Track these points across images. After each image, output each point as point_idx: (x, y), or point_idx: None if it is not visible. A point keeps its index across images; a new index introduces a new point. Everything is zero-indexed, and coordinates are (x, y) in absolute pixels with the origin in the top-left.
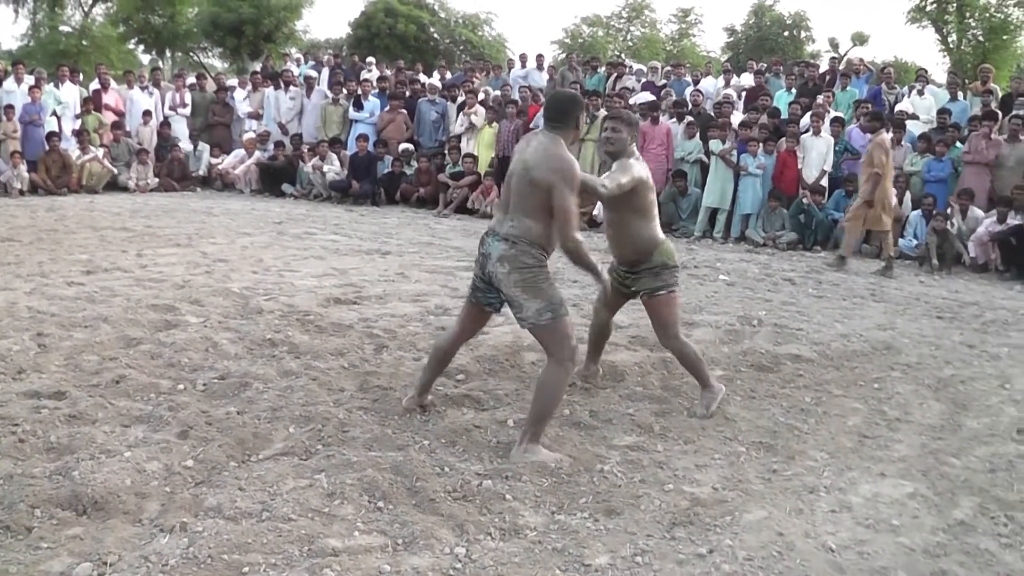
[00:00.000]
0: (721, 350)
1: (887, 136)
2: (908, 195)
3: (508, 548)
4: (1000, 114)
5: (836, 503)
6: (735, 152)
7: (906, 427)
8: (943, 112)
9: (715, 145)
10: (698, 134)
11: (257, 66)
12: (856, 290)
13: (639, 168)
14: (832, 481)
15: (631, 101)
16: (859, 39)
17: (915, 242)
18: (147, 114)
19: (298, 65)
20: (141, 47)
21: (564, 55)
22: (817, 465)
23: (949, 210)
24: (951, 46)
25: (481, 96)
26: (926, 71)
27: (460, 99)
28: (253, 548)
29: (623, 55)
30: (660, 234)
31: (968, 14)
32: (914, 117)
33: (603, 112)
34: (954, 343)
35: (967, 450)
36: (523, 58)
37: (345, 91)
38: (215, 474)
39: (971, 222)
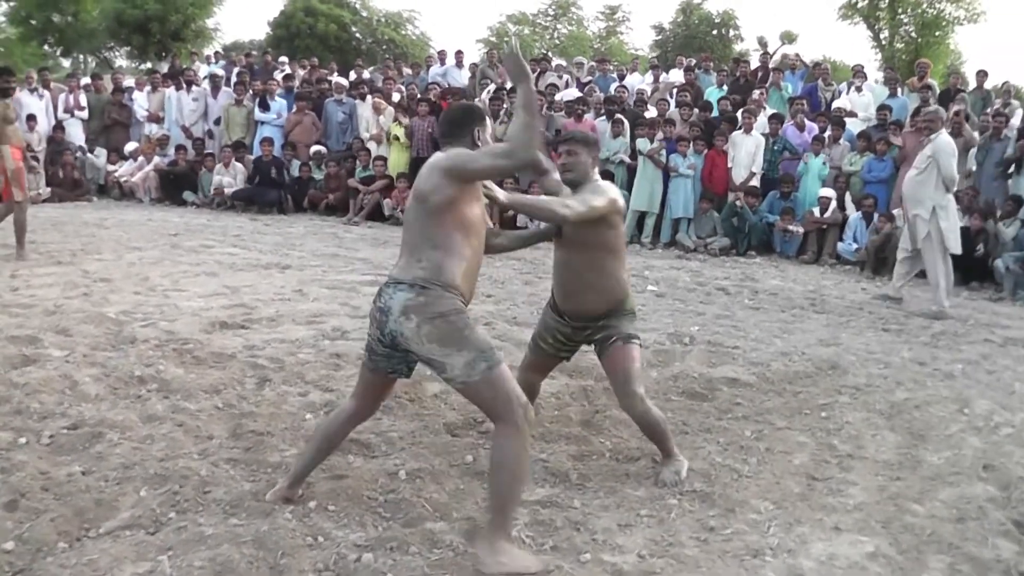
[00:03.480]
0: (649, 375)
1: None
2: (848, 196)
3: None
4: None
5: (784, 569)
6: (664, 152)
7: (860, 465)
8: (883, 108)
9: (643, 144)
10: (626, 132)
11: (164, 66)
12: (795, 300)
13: (613, 191)
14: (779, 540)
15: (557, 98)
16: (788, 38)
17: (855, 246)
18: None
19: (208, 64)
20: (47, 48)
21: (487, 51)
22: (761, 519)
23: (895, 211)
24: (883, 43)
25: (396, 97)
26: (863, 67)
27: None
28: None
29: (550, 53)
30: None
31: (900, 10)
32: (852, 115)
33: None
34: (904, 360)
35: (930, 493)
36: (442, 55)
37: (251, 91)
38: (38, 559)
39: None
